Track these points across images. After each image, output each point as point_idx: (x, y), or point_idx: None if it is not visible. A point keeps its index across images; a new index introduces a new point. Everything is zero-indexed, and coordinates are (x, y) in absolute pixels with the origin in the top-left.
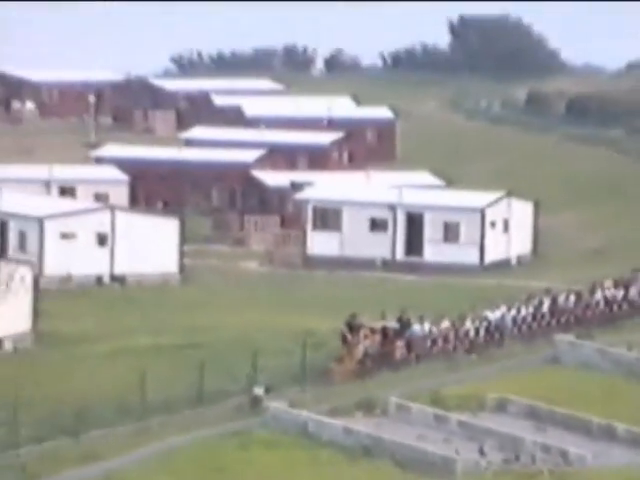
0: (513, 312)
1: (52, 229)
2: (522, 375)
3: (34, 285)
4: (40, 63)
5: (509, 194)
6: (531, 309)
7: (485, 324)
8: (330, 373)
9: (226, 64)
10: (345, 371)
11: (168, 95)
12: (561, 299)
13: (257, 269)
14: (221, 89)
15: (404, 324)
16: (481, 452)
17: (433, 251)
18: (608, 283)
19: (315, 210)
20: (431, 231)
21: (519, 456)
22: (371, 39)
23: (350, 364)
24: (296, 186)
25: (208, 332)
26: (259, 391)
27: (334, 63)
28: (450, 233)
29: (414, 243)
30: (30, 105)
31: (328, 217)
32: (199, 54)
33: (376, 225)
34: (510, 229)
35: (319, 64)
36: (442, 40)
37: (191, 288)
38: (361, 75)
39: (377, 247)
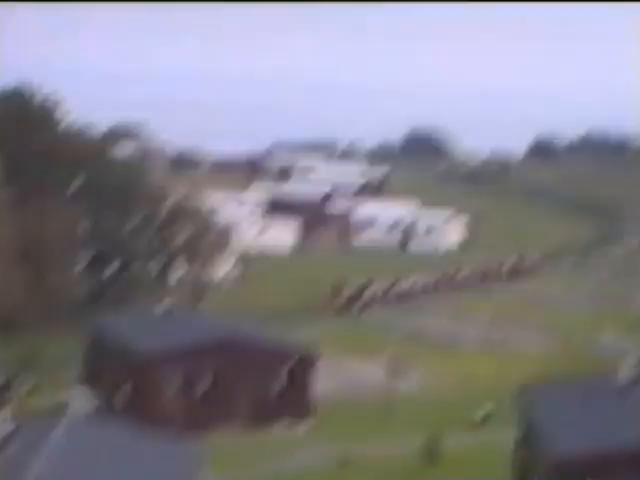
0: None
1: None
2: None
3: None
4: None
5: (456, 213)
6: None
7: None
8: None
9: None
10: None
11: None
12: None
13: (331, 248)
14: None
15: (364, 286)
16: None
17: (418, 242)
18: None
19: (361, 220)
20: (418, 232)
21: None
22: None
23: (335, 306)
24: (350, 209)
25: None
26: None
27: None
28: (428, 232)
29: (409, 238)
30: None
31: (368, 224)
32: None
33: (391, 228)
34: (454, 231)
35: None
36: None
37: (304, 257)
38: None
39: (392, 239)
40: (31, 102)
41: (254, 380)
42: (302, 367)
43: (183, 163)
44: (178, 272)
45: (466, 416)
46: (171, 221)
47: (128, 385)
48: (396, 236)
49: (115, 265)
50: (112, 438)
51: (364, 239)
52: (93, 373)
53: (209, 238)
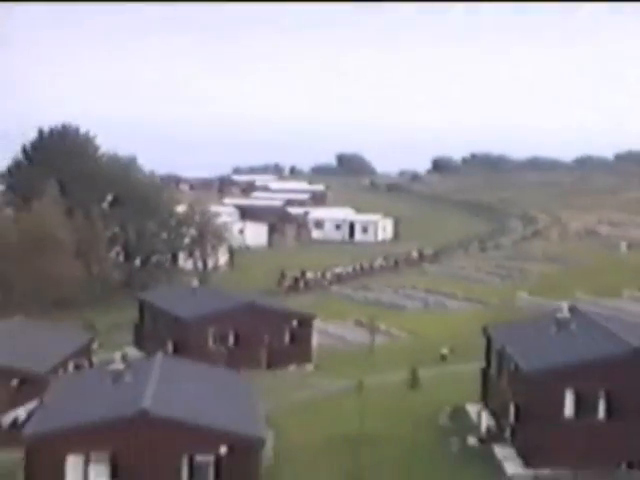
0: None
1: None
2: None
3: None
4: None
5: (384, 215)
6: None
7: (336, 273)
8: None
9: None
10: (281, 291)
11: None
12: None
13: (293, 243)
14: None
15: (303, 274)
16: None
17: (358, 236)
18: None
19: (314, 222)
20: (358, 229)
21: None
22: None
23: (283, 289)
24: (305, 213)
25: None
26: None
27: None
28: (364, 229)
29: (352, 233)
30: None
31: (319, 224)
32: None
33: (337, 227)
34: (385, 228)
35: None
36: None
37: (273, 250)
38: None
39: (338, 235)
40: (75, 138)
41: (269, 335)
42: (303, 325)
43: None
44: (188, 262)
45: (429, 356)
46: (181, 223)
47: (172, 343)
48: (340, 233)
49: (141, 257)
50: (193, 366)
51: (316, 236)
52: (142, 336)
53: (209, 236)
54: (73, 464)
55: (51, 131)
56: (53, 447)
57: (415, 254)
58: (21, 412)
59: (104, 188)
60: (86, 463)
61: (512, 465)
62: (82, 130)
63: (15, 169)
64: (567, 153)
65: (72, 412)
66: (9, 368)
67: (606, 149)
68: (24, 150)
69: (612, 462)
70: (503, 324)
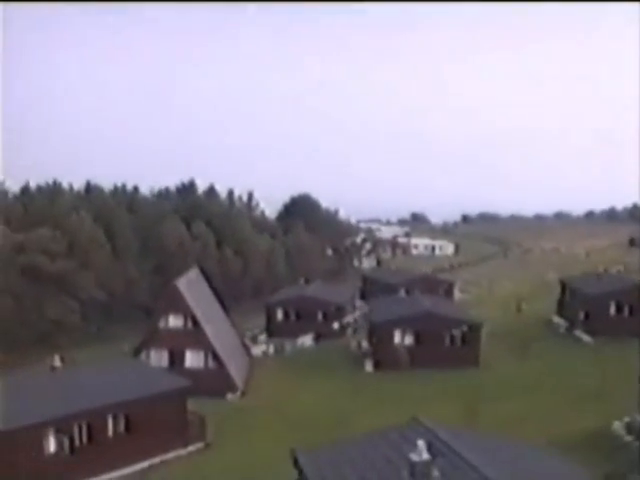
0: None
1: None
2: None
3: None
4: None
5: (447, 241)
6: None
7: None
8: None
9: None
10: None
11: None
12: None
13: (402, 256)
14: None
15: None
16: (490, 281)
17: (437, 252)
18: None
19: (412, 245)
20: (437, 248)
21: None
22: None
23: None
24: (408, 240)
25: None
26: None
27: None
28: (440, 248)
29: (433, 251)
30: None
31: (415, 246)
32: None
33: (425, 247)
34: (450, 248)
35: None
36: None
37: (394, 258)
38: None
39: (426, 252)
40: (309, 200)
41: (434, 291)
42: (451, 285)
43: None
44: (365, 261)
45: (514, 301)
46: (362, 242)
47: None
48: (427, 251)
49: (339, 259)
50: (427, 296)
51: (414, 253)
52: (366, 293)
53: (375, 250)
54: (398, 333)
55: (298, 196)
56: (387, 326)
57: (474, 258)
58: (349, 318)
59: (325, 226)
60: (403, 333)
61: (585, 337)
62: (313, 195)
63: (279, 217)
64: (528, 212)
65: (389, 312)
66: (328, 301)
67: (548, 209)
68: (285, 206)
69: (629, 335)
70: (570, 277)
